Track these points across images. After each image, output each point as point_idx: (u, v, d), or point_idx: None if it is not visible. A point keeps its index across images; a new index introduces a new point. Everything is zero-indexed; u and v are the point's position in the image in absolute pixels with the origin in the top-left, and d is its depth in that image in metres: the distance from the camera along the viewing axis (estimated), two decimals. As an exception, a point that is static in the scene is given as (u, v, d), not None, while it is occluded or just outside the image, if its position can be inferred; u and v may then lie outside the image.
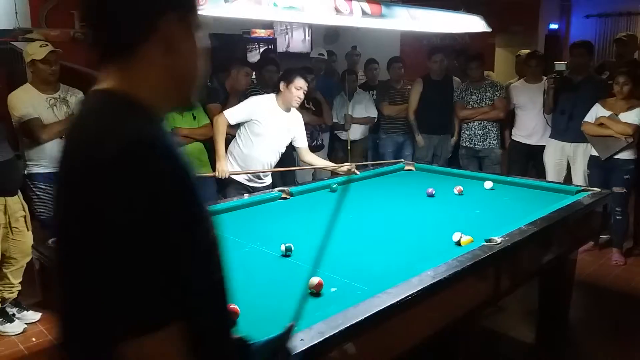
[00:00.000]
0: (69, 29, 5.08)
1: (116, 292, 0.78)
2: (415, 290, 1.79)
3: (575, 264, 3.26)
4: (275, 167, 3.78)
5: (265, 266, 2.19)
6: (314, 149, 4.70)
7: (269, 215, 2.90)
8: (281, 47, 8.10)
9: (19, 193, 3.28)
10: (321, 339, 1.45)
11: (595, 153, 4.21)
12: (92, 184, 0.80)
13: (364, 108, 5.23)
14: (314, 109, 4.91)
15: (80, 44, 4.95)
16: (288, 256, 2.24)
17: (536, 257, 2.62)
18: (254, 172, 3.65)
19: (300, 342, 1.40)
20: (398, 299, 1.72)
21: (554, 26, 7.53)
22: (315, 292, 1.84)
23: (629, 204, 4.29)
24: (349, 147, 5.09)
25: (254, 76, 5.04)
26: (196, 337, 0.84)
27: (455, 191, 3.27)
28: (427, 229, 2.66)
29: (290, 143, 3.76)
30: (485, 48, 6.52)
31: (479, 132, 4.84)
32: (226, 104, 4.14)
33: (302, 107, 4.61)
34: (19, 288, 3.34)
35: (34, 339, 3.18)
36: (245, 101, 3.68)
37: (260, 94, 3.92)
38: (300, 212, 2.97)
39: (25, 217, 3.28)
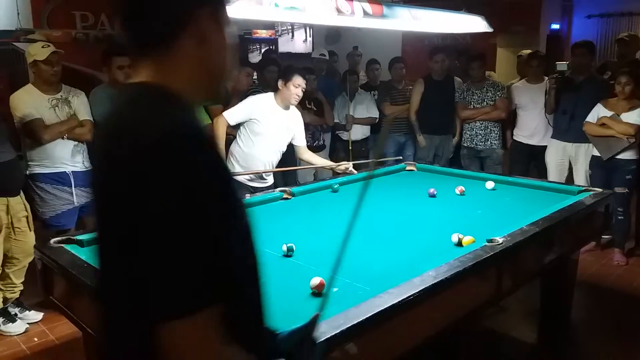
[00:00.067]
0: (71, 29, 5.09)
1: (155, 277, 0.81)
2: (417, 291, 1.79)
3: (577, 264, 3.26)
4: (277, 166, 3.78)
5: (266, 266, 2.19)
6: (315, 149, 4.71)
7: (270, 215, 2.90)
8: (282, 48, 8.10)
9: (21, 193, 3.29)
10: (323, 339, 1.45)
11: (597, 153, 4.21)
12: (132, 174, 0.83)
13: (365, 108, 5.23)
14: (315, 110, 4.92)
15: (82, 45, 4.96)
16: (290, 256, 2.24)
17: (538, 257, 2.62)
18: (255, 172, 3.65)
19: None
20: (400, 299, 1.72)
21: (555, 26, 7.52)
22: (317, 292, 1.84)
23: (630, 204, 4.28)
24: (350, 148, 5.09)
25: (255, 76, 5.05)
26: (232, 321, 0.85)
27: (457, 191, 3.27)
28: (429, 229, 2.66)
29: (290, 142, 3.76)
30: (486, 48, 6.51)
31: (480, 132, 4.84)
32: (228, 104, 4.15)
33: (303, 108, 4.63)
34: (21, 288, 3.34)
35: (35, 339, 3.18)
36: (244, 101, 3.68)
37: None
38: (302, 213, 2.97)
39: (27, 217, 3.29)
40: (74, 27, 5.12)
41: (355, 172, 3.78)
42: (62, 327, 3.20)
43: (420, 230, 2.66)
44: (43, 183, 3.45)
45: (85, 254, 2.17)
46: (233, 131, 3.72)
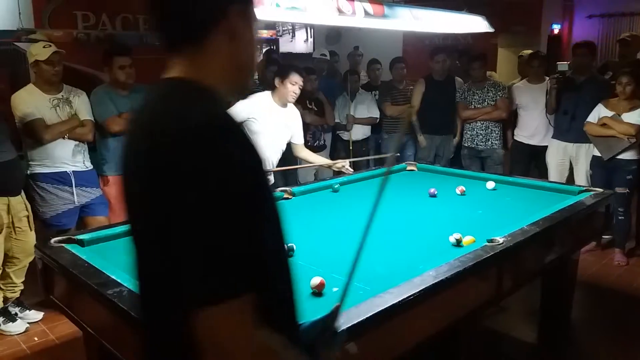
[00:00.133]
0: (73, 29, 5.10)
1: (191, 264, 0.83)
2: (417, 290, 1.79)
3: (577, 264, 3.26)
4: (277, 165, 3.78)
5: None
6: (316, 149, 4.71)
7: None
8: (283, 48, 8.10)
9: (22, 193, 3.29)
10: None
11: (597, 153, 4.21)
12: (169, 165, 0.85)
13: (366, 108, 5.23)
14: (316, 110, 4.92)
15: (83, 45, 4.97)
16: (290, 256, 2.24)
17: (538, 257, 2.62)
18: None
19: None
20: (400, 299, 1.72)
21: (556, 26, 7.51)
22: (317, 292, 1.84)
23: (631, 205, 4.28)
24: (350, 147, 5.09)
25: (256, 76, 5.05)
26: (264, 309, 0.87)
27: (458, 191, 3.27)
28: (429, 229, 2.66)
29: None
30: (487, 48, 6.50)
31: (481, 132, 4.84)
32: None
33: (304, 108, 4.63)
34: (22, 288, 3.35)
35: (36, 339, 3.19)
36: (242, 100, 3.68)
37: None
38: (302, 212, 2.97)
39: (28, 217, 3.29)
40: (75, 27, 5.13)
41: (351, 170, 3.79)
42: (63, 326, 3.20)
43: (421, 230, 2.66)
44: (44, 183, 3.45)
45: (85, 254, 2.18)
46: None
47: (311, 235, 2.51)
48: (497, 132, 4.84)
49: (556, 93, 4.45)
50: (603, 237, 4.19)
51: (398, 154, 4.47)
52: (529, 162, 4.86)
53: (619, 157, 4.08)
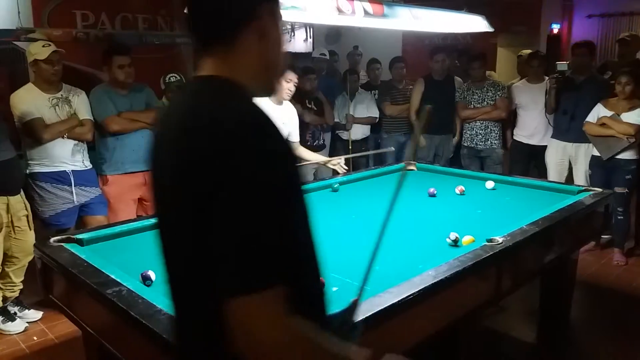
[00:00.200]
0: (72, 28, 5.09)
1: (228, 254, 0.86)
2: (417, 290, 1.79)
3: (576, 264, 3.26)
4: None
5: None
6: (315, 148, 4.71)
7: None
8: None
9: (21, 192, 3.29)
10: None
11: (597, 153, 4.21)
12: (204, 158, 0.88)
13: (365, 108, 5.23)
14: (315, 109, 4.91)
15: (83, 44, 4.96)
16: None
17: (538, 257, 2.62)
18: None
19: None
20: (399, 299, 1.73)
21: (556, 26, 7.51)
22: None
23: (630, 204, 4.28)
24: (350, 147, 5.09)
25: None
26: (295, 301, 0.88)
27: (457, 191, 3.27)
28: (429, 229, 2.66)
29: None
30: (487, 48, 6.50)
31: (480, 132, 4.84)
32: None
33: (303, 107, 4.63)
34: (21, 287, 3.35)
35: (35, 338, 3.18)
36: None
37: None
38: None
39: (27, 216, 3.29)
40: (74, 26, 5.12)
41: (345, 168, 3.79)
42: (62, 326, 3.20)
43: (420, 230, 2.66)
44: (43, 182, 3.45)
45: (84, 253, 2.17)
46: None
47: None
48: (496, 131, 4.84)
49: (555, 93, 4.45)
50: (602, 236, 4.20)
51: (392, 148, 4.46)
52: (529, 161, 4.86)
53: (618, 157, 4.09)
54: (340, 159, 3.85)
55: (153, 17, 5.42)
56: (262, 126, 0.91)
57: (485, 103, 4.82)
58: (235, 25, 0.99)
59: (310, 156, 3.95)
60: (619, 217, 4.17)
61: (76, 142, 3.54)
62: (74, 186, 3.51)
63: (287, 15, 2.53)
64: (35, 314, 3.38)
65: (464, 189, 3.28)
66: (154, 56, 5.12)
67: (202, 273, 0.93)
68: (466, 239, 2.31)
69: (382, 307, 1.66)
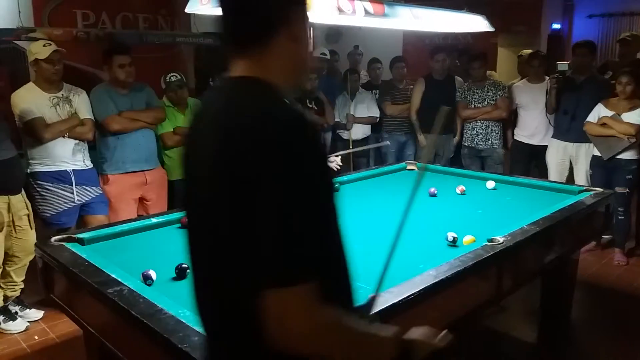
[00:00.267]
0: (72, 28, 5.09)
1: (267, 247, 0.88)
2: (417, 290, 1.79)
3: (577, 264, 3.26)
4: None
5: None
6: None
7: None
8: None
9: (22, 191, 3.29)
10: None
11: (597, 153, 4.21)
12: (242, 155, 0.91)
13: (366, 107, 5.23)
14: (316, 109, 4.91)
15: (83, 43, 4.96)
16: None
17: (538, 256, 2.62)
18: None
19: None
20: (400, 298, 1.73)
21: (556, 26, 7.52)
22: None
23: (631, 204, 4.28)
24: (350, 147, 5.08)
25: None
26: (327, 294, 0.91)
27: (458, 191, 3.27)
28: (429, 229, 2.66)
29: None
30: (487, 48, 6.50)
31: (481, 131, 4.84)
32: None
33: (304, 107, 4.63)
34: (22, 286, 3.35)
35: (36, 337, 3.19)
36: None
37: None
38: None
39: (28, 215, 3.29)
40: (75, 25, 5.11)
41: (340, 164, 3.77)
42: (63, 325, 3.20)
43: (421, 230, 2.65)
44: (44, 181, 3.45)
45: (85, 253, 2.18)
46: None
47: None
48: (497, 131, 4.84)
49: (556, 93, 4.45)
50: (603, 236, 4.19)
51: (388, 142, 4.45)
52: (529, 161, 4.86)
53: (619, 156, 4.09)
54: (336, 157, 3.83)
55: (153, 16, 5.42)
56: (303, 124, 0.95)
57: (486, 103, 4.82)
58: (270, 28, 1.03)
59: None
60: (619, 217, 4.17)
61: (77, 141, 3.54)
62: (75, 185, 3.51)
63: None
64: (36, 314, 3.38)
65: (464, 188, 3.28)
66: (155, 55, 5.12)
67: (236, 265, 0.95)
68: (467, 239, 2.31)
69: (383, 307, 1.66)
